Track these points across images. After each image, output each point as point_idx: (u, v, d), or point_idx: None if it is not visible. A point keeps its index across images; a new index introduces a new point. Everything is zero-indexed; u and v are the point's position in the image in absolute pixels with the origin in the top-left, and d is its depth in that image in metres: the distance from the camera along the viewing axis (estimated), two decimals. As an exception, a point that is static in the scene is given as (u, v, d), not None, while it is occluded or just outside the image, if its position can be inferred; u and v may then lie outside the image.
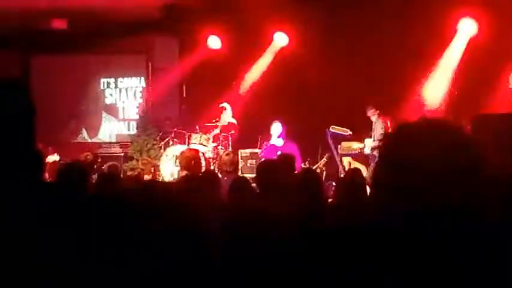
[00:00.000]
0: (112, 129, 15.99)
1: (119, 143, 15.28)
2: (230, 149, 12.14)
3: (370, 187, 5.47)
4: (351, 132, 12.08)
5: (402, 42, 11.90)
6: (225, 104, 13.09)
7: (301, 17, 12.85)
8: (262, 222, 2.98)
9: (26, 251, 1.51)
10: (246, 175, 9.37)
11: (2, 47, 14.65)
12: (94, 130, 16.06)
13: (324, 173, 11.80)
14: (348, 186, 5.13)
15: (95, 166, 10.61)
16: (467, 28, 12.17)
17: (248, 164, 12.29)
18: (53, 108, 14.09)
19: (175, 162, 11.72)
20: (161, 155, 13.26)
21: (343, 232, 1.57)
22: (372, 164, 11.16)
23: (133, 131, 15.30)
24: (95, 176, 7.91)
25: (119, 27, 14.29)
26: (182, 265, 2.31)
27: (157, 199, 3.03)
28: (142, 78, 15.87)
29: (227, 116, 12.97)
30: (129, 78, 15.95)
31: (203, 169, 9.85)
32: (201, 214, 2.74)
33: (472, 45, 12.12)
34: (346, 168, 11.46)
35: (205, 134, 12.97)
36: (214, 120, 13.01)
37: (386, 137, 1.63)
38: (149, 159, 12.91)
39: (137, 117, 15.47)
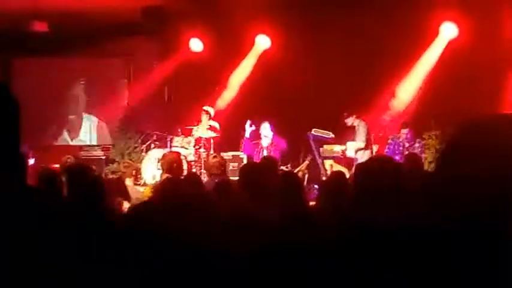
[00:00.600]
0: (92, 129, 15.92)
1: (100, 146, 15.21)
2: (212, 151, 12.13)
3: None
4: (333, 135, 12.10)
5: (385, 46, 11.99)
6: (207, 107, 13.08)
7: (283, 20, 12.87)
8: (247, 224, 2.99)
9: (10, 253, 1.50)
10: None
11: (-18, 49, 14.54)
12: (75, 132, 15.98)
13: (306, 176, 11.81)
14: (331, 189, 5.13)
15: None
16: (448, 32, 12.32)
17: (230, 167, 12.28)
18: (34, 111, 13.97)
19: (157, 165, 11.68)
20: (143, 158, 13.22)
21: (333, 234, 1.57)
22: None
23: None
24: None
25: (100, 30, 14.23)
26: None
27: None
28: (124, 81, 15.80)
29: (209, 119, 12.97)
30: (110, 81, 15.88)
31: (185, 172, 9.83)
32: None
33: (451, 48, 12.24)
34: (328, 171, 11.47)
35: (186, 137, 12.94)
36: (196, 124, 12.99)
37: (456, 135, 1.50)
38: (131, 162, 12.84)
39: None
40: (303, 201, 5.09)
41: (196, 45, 14.32)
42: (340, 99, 11.99)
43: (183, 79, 14.28)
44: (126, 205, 6.60)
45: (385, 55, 11.96)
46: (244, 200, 4.85)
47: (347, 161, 11.82)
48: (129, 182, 8.82)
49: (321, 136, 12.16)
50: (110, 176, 11.73)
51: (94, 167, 10.68)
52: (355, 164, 11.44)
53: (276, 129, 11.93)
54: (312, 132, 12.10)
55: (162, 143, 13.30)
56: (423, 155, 11.34)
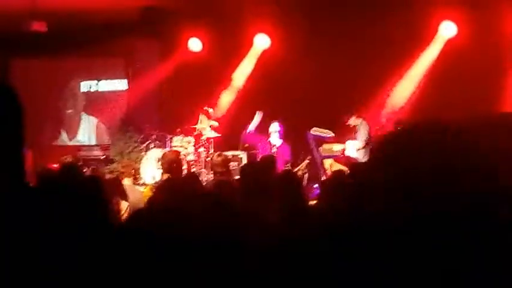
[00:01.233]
0: (91, 129, 15.91)
1: (99, 145, 15.20)
2: (212, 151, 12.13)
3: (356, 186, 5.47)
4: (333, 134, 12.08)
5: (384, 45, 11.98)
6: (207, 108, 13.06)
7: (282, 19, 12.87)
8: (247, 223, 2.98)
9: (11, 253, 1.50)
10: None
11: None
12: (73, 132, 15.97)
13: (306, 175, 11.79)
14: (333, 188, 5.13)
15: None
16: (446, 30, 12.32)
17: (230, 167, 12.26)
18: (32, 111, 13.90)
19: (157, 164, 11.67)
20: (142, 158, 13.21)
21: (330, 234, 1.57)
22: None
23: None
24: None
25: (99, 30, 14.22)
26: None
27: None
28: (123, 81, 15.80)
29: (209, 119, 12.95)
30: (110, 81, 15.88)
31: (184, 172, 9.84)
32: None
33: (450, 46, 12.25)
34: (328, 170, 11.45)
35: (186, 136, 12.93)
36: (196, 123, 12.98)
37: (388, 138, 1.58)
38: (130, 162, 12.84)
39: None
40: (302, 200, 5.10)
41: (195, 44, 14.30)
42: (340, 99, 11.99)
43: (182, 79, 14.26)
44: (123, 205, 6.60)
45: (385, 54, 11.96)
46: (245, 199, 4.85)
47: (346, 160, 11.80)
48: (128, 181, 8.80)
49: (321, 135, 12.15)
50: (108, 176, 11.70)
51: (93, 167, 10.71)
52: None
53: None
54: (312, 131, 12.08)
55: (162, 142, 13.29)
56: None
